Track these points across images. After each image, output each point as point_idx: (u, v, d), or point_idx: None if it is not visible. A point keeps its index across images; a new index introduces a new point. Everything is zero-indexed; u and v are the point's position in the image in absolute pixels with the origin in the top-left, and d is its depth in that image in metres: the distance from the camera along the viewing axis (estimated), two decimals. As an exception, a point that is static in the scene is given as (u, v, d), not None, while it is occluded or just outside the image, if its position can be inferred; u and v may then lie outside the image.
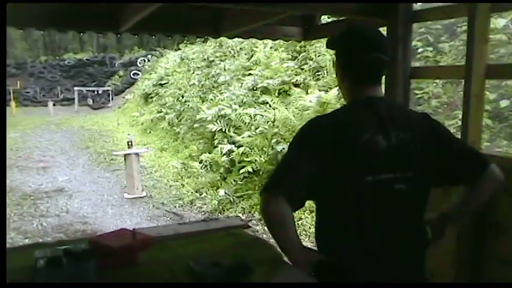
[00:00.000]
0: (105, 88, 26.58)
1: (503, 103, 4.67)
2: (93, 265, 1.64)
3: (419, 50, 5.82)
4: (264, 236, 4.54)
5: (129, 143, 8.19)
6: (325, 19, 4.77)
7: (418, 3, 3.24)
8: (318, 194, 1.47)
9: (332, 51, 1.69)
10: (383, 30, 2.93)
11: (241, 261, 1.78)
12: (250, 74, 9.65)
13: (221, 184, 7.69)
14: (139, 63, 26.50)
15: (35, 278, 1.61)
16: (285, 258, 1.87)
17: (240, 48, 11.84)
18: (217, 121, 8.76)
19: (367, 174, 1.42)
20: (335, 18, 3.91)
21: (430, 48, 5.76)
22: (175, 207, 7.41)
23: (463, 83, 2.44)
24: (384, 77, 1.64)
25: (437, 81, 5.64)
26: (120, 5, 3.13)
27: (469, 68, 2.39)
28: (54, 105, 24.30)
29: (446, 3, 2.68)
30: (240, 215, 6.42)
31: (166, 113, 13.38)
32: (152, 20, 3.14)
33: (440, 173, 1.55)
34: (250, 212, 6.45)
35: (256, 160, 7.01)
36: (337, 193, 1.45)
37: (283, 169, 1.50)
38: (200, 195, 7.74)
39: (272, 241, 1.58)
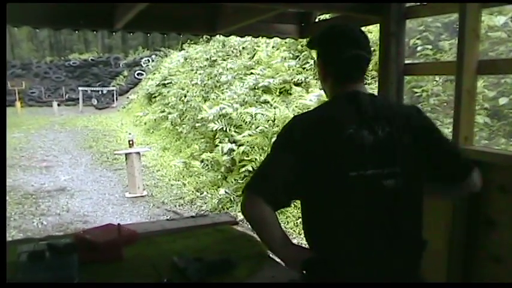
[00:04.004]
0: (110, 88, 26.66)
1: (502, 101, 4.63)
2: (76, 259, 1.64)
3: (419, 48, 5.80)
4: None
5: (130, 142, 8.21)
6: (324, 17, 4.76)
7: None
8: (304, 192, 1.46)
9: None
10: (376, 27, 2.95)
11: (224, 257, 1.78)
12: (251, 73, 9.66)
13: (222, 183, 7.69)
14: (144, 63, 26.58)
15: (17, 272, 1.62)
16: (271, 255, 1.86)
17: (243, 48, 11.85)
18: (219, 120, 8.76)
19: (351, 170, 1.40)
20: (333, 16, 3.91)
21: (430, 46, 5.72)
22: (175, 206, 7.43)
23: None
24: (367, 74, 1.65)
25: (437, 79, 5.60)
26: (114, 2, 3.13)
27: (460, 63, 2.38)
28: (58, 105, 24.42)
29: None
30: (239, 214, 6.42)
31: (169, 113, 13.39)
32: (146, 18, 3.15)
33: (425, 169, 1.53)
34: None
35: (256, 159, 7.01)
36: (323, 190, 1.44)
37: (264, 170, 1.50)
38: (201, 194, 7.75)
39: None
